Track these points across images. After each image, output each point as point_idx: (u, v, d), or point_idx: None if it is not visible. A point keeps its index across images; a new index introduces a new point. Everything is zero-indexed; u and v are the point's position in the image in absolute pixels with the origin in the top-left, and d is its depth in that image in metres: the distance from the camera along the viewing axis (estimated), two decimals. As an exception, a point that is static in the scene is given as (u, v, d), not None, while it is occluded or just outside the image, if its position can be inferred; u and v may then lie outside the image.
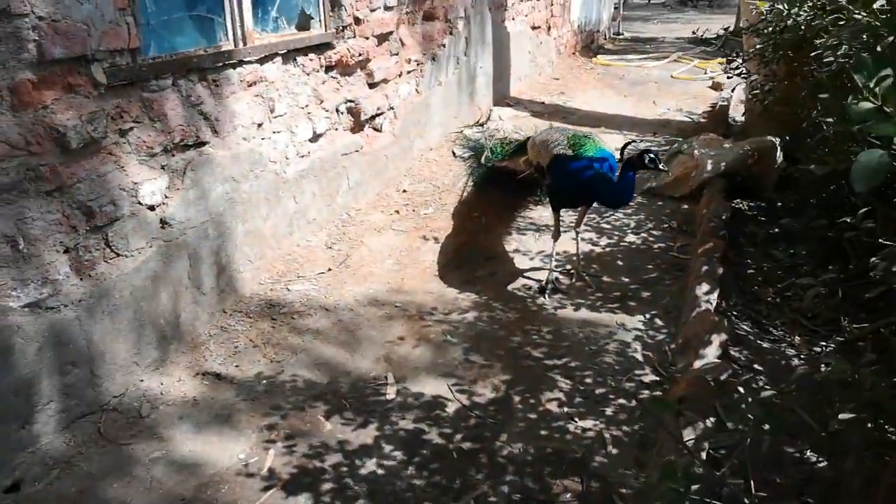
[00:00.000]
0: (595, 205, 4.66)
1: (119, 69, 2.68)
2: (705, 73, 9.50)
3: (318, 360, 3.11)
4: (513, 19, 7.34)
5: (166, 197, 2.97)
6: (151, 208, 2.91)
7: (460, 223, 4.46)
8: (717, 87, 8.48)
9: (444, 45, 5.62)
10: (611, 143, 6.07)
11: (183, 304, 3.13)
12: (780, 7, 3.99)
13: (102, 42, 2.58)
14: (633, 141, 3.47)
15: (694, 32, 9.20)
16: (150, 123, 2.87)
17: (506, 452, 2.56)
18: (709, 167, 4.70)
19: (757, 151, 4.66)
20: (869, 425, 2.34)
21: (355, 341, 3.25)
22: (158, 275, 2.96)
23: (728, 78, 9.31)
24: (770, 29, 4.24)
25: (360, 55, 4.30)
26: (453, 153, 5.51)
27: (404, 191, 4.88)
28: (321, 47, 3.99)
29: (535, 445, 2.59)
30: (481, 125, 6.05)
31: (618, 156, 3.42)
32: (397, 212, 4.56)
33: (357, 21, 4.27)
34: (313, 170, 4.00)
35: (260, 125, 3.52)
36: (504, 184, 4.61)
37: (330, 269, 3.80)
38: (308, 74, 3.90)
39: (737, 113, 6.94)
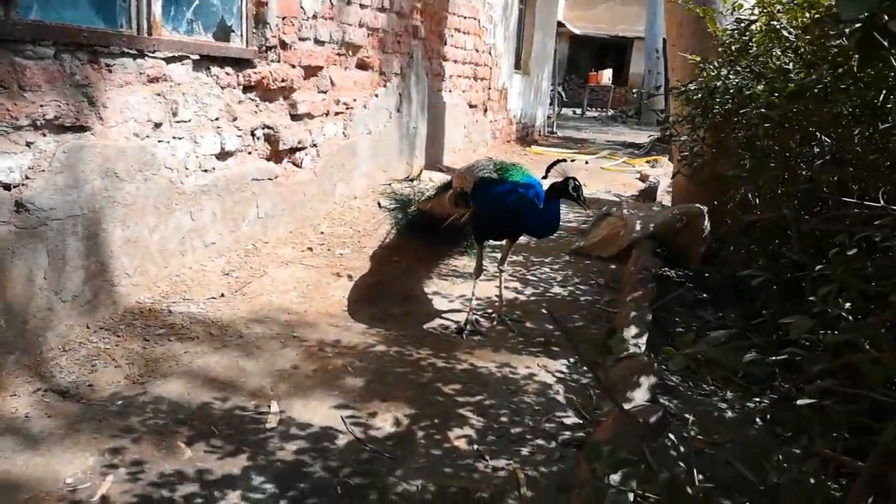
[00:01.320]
0: (521, 256, 4.55)
1: (-15, 20, 2.32)
2: (633, 167, 9.74)
3: (191, 383, 2.63)
4: (449, 91, 7.35)
5: (27, 178, 2.54)
6: (6, 187, 2.47)
7: (378, 265, 4.14)
8: (644, 178, 8.66)
9: (376, 96, 5.48)
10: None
11: (34, 307, 2.62)
12: (710, 68, 4.01)
13: (-33, -18, 2.24)
14: (563, 160, 3.28)
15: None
16: (20, 92, 2.49)
17: (401, 489, 2.12)
18: (637, 227, 4.58)
19: (685, 216, 4.58)
20: (812, 481, 2.08)
21: (239, 367, 2.79)
22: (4, 267, 2.48)
23: (651, 167, 9.65)
24: (699, 95, 4.25)
25: (283, 81, 4.07)
26: (379, 204, 5.27)
27: (322, 232, 4.55)
28: (240, 63, 3.73)
29: (437, 483, 2.16)
30: (411, 181, 5.85)
31: (543, 174, 3.21)
32: (310, 249, 4.21)
33: (283, 45, 4.06)
34: (217, 188, 3.64)
35: (158, 125, 3.17)
36: (429, 233, 4.37)
37: (223, 295, 3.37)
38: (223, 88, 3.62)
39: (664, 198, 7.03)
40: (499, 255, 3.83)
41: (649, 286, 3.75)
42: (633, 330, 3.14)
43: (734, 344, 1.61)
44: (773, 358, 2.03)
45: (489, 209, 3.27)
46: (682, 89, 4.44)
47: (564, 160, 3.26)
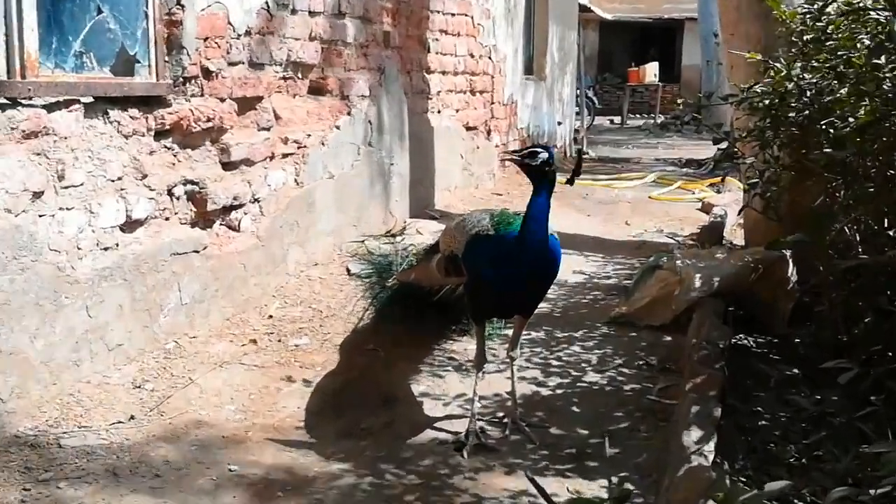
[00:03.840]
0: (543, 331, 4.50)
1: None
2: (693, 194, 9.75)
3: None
4: (438, 112, 7.44)
5: None
6: None
7: (347, 358, 4.13)
8: (707, 208, 8.66)
9: (337, 128, 5.55)
10: (569, 265, 5.96)
11: None
12: (778, 66, 4.01)
13: None
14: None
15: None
16: None
17: None
18: (697, 283, 4.55)
19: (762, 263, 4.54)
20: None
21: (154, 522, 2.72)
22: None
23: (717, 192, 9.64)
24: (768, 101, 4.24)
25: (208, 121, 4.11)
26: (348, 271, 5.28)
27: (270, 316, 4.55)
28: (149, 103, 3.78)
29: None
30: (392, 236, 5.86)
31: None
32: (254, 341, 4.20)
33: (207, 74, 4.12)
34: (123, 270, 3.64)
35: (38, 195, 3.18)
36: (416, 309, 4.39)
37: (133, 418, 3.34)
38: (127, 137, 3.65)
39: (736, 236, 7.00)
40: (509, 335, 3.79)
41: (717, 366, 3.69)
42: (695, 432, 3.06)
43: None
44: (872, 492, 1.94)
45: (487, 277, 3.25)
46: (744, 95, 4.44)
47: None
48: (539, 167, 3.16)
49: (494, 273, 3.22)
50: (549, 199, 3.18)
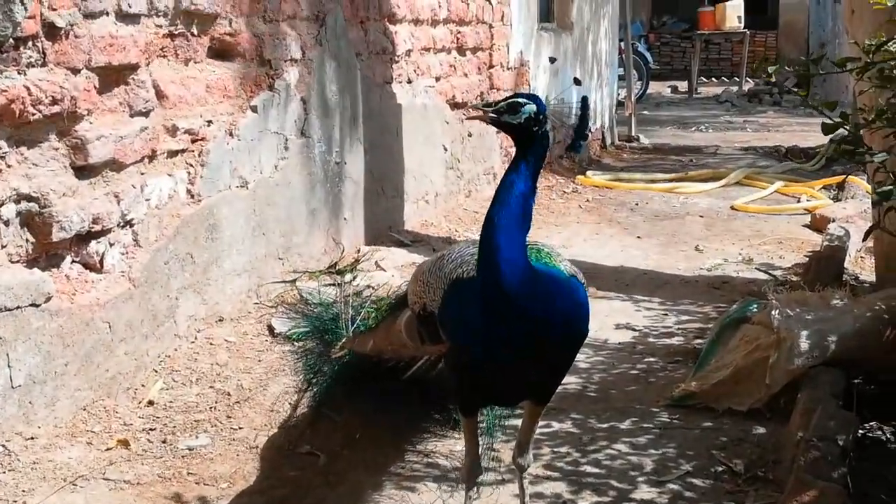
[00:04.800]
0: (570, 420, 4.47)
1: None
2: (799, 202, 9.81)
3: None
4: (409, 81, 7.48)
5: None
6: None
7: (270, 467, 4.14)
8: (820, 224, 8.75)
9: (253, 110, 5.58)
10: (610, 315, 5.99)
11: None
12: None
13: None
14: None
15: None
16: None
17: None
18: (804, 346, 4.56)
19: (901, 315, 4.56)
20: None
21: None
22: None
23: (834, 198, 9.69)
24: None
25: (54, 103, 4.10)
26: (271, 329, 5.35)
27: (150, 402, 4.57)
28: (-42, 77, 3.78)
29: None
30: (340, 273, 5.87)
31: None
32: (125, 443, 4.21)
33: (53, 33, 4.11)
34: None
35: None
36: (379, 390, 4.44)
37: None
38: (-79, 130, 3.66)
39: (861, 268, 7.03)
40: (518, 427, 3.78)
41: (836, 474, 3.69)
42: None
43: None
44: None
45: (472, 344, 3.19)
46: (870, 58, 4.46)
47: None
48: (524, 126, 3.02)
49: (484, 338, 3.15)
50: (534, 180, 3.06)
